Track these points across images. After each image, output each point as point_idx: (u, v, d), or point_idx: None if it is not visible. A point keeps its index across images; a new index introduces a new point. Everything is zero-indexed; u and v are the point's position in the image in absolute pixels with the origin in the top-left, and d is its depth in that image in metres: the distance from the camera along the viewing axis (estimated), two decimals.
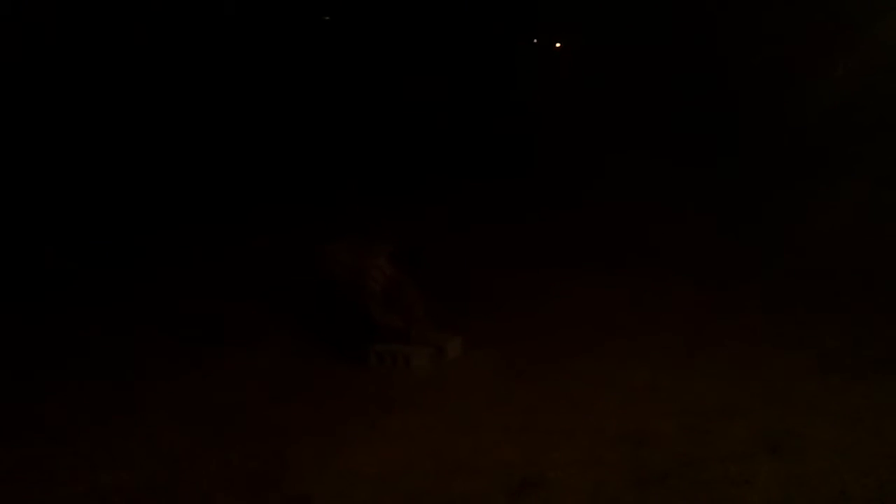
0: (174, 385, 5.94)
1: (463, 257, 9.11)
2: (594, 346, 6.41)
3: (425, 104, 17.41)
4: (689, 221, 10.07)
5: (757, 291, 7.66)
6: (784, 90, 13.64)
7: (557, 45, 22.01)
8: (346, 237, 6.80)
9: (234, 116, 15.69)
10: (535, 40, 21.94)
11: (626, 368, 5.94)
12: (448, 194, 12.46)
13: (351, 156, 14.81)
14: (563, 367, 6.02)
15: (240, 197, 12.41)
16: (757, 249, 8.97)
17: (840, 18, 13.18)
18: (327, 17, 20.19)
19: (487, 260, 9.07)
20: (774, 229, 9.60)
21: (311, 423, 5.22)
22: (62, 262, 8.96)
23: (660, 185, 11.78)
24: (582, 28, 19.24)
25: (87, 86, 14.35)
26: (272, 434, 5.09)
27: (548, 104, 17.00)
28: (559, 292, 7.93)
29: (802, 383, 5.55)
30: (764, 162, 12.17)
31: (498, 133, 15.86)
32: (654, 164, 12.58)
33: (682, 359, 6.10)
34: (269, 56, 17.24)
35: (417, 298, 6.50)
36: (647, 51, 16.20)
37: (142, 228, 10.74)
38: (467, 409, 5.38)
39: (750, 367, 5.90)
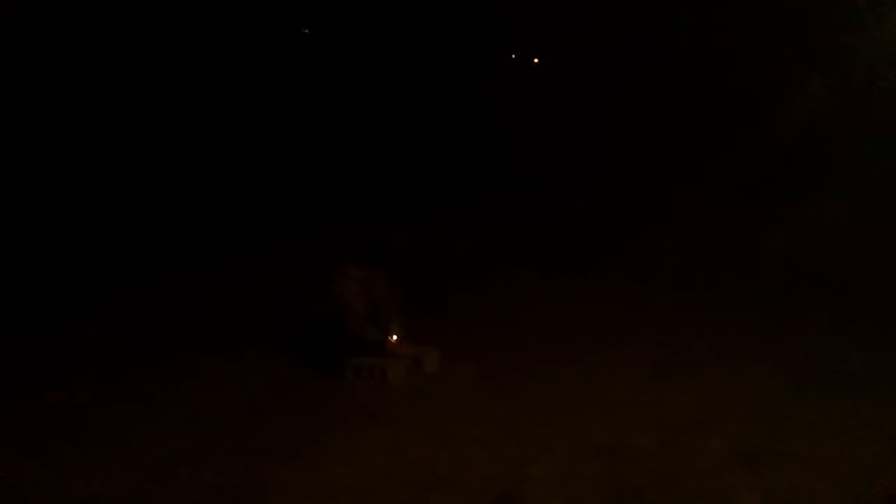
0: (151, 397, 5.86)
1: (440, 269, 9.11)
2: (572, 359, 6.42)
3: (402, 115, 17.45)
4: (672, 230, 10.13)
5: (737, 304, 7.72)
6: (762, 103, 13.76)
7: (535, 60, 22.10)
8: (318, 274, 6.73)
9: (218, 127, 15.69)
10: (513, 56, 22.04)
11: (605, 381, 5.96)
12: (424, 205, 12.46)
13: (327, 165, 14.82)
14: (541, 379, 6.02)
15: (224, 210, 12.36)
16: (737, 260, 9.04)
17: (823, 32, 13.35)
18: (306, 31, 20.20)
19: (465, 271, 9.08)
20: (754, 243, 9.67)
21: (288, 437, 5.17)
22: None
23: (641, 195, 11.85)
24: (559, 44, 19.35)
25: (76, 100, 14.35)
26: (249, 447, 5.03)
27: (527, 118, 17.05)
28: (538, 304, 7.95)
29: (780, 397, 5.60)
30: (747, 173, 12.26)
31: (475, 145, 15.93)
32: (634, 176, 12.65)
33: (660, 371, 6.12)
34: (250, 67, 17.26)
35: (393, 308, 6.48)
36: (628, 63, 16.30)
37: (125, 238, 10.67)
38: (445, 422, 5.36)
39: (728, 380, 5.94)
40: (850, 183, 10.62)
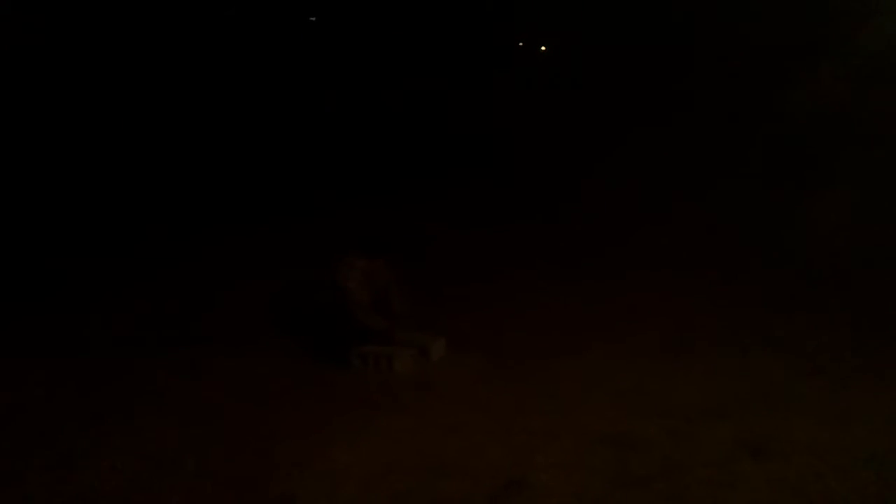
0: (157, 387, 5.88)
1: (445, 259, 9.10)
2: (579, 348, 6.41)
3: (407, 105, 17.43)
4: (676, 223, 10.08)
5: (742, 293, 7.70)
6: (772, 94, 13.72)
7: (542, 48, 22.05)
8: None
9: (226, 116, 15.69)
10: (521, 44, 22.00)
11: (611, 370, 5.95)
12: (429, 197, 12.43)
13: (331, 157, 14.80)
14: (547, 368, 6.02)
15: (229, 200, 12.36)
16: (743, 252, 9.02)
17: (828, 24, 13.28)
18: (313, 18, 20.17)
19: (471, 261, 9.06)
20: (761, 232, 9.65)
21: (295, 425, 5.18)
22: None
23: (646, 187, 11.81)
24: (567, 32, 19.29)
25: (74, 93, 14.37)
26: (256, 435, 5.05)
27: (531, 107, 17.01)
28: (541, 294, 7.93)
29: (787, 386, 5.58)
30: (752, 165, 12.22)
31: (479, 135, 15.89)
32: (640, 166, 12.61)
33: (667, 360, 6.11)
34: (254, 59, 17.25)
35: (398, 296, 6.48)
36: (634, 54, 16.25)
37: (129, 229, 10.68)
38: (451, 410, 5.36)
39: (735, 369, 5.92)
40: (855, 176, 10.57)
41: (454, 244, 9.89)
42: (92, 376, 6.09)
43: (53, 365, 6.31)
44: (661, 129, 14.07)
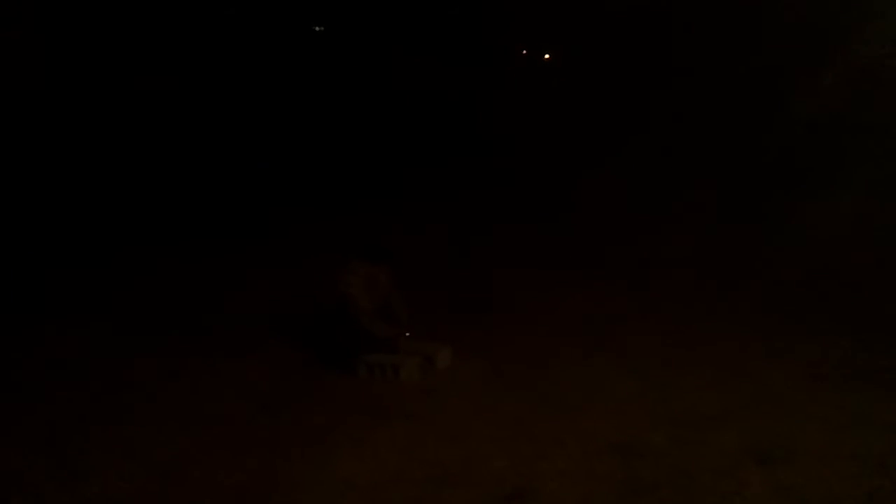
0: (163, 395, 5.90)
1: (446, 266, 9.11)
2: (582, 355, 6.41)
3: (407, 111, 17.45)
4: (676, 229, 10.08)
5: (746, 300, 7.69)
6: (772, 99, 13.68)
7: (546, 56, 22.06)
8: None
9: (223, 125, 15.70)
10: (525, 51, 22.01)
11: (617, 377, 5.95)
12: (432, 202, 12.44)
13: (331, 164, 14.82)
14: (551, 376, 6.01)
15: (232, 208, 12.38)
16: (744, 257, 9.01)
17: (827, 29, 13.26)
18: (318, 28, 20.21)
19: (471, 269, 9.07)
20: (764, 239, 9.64)
21: (301, 434, 5.19)
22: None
23: (651, 194, 11.81)
24: (570, 41, 19.30)
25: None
26: (262, 444, 5.06)
27: (536, 113, 17.01)
28: (548, 300, 7.94)
29: (791, 392, 5.58)
30: (753, 171, 12.21)
31: (479, 140, 15.92)
32: (645, 173, 12.60)
33: (672, 367, 6.11)
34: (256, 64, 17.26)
35: (402, 303, 6.49)
36: (635, 60, 16.24)
37: (128, 237, 10.68)
38: (457, 418, 5.36)
39: (739, 376, 5.92)
40: (859, 179, 10.55)
41: (454, 250, 9.91)
42: (93, 387, 6.09)
43: (54, 376, 6.32)
44: (662, 134, 14.06)
